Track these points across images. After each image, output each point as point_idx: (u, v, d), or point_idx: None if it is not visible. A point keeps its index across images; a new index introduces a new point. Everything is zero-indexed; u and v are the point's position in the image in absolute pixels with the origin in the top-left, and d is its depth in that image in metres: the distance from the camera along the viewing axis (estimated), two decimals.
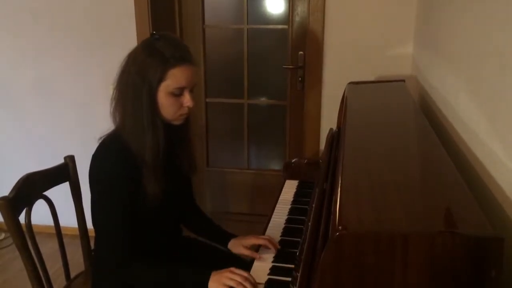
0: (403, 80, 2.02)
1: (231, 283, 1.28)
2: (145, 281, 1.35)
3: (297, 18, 2.62)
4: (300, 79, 2.65)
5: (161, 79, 1.33)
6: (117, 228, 1.35)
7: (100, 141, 1.41)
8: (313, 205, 1.45)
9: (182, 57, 1.34)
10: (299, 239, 1.52)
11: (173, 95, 1.35)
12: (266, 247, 1.50)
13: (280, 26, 2.69)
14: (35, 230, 1.55)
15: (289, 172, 2.10)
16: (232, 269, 1.32)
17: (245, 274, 1.31)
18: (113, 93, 1.41)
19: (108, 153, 1.37)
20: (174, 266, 1.39)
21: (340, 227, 0.82)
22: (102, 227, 1.37)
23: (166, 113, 1.37)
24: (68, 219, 1.88)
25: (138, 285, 1.38)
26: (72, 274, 1.76)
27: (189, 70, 1.36)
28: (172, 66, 1.32)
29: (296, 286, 1.18)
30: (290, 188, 2.01)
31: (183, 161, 1.53)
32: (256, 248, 1.52)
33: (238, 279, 1.28)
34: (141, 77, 1.32)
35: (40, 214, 1.69)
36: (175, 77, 1.33)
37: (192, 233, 1.68)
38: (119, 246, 1.35)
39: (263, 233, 1.63)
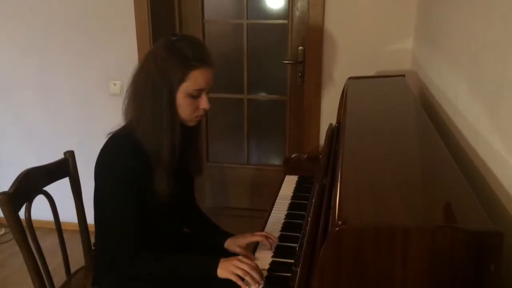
0: (403, 75, 2.01)
1: (238, 272, 1.29)
2: (154, 271, 1.37)
3: (297, 13, 2.61)
4: (300, 74, 2.64)
5: (181, 80, 1.32)
6: (131, 221, 1.35)
7: (109, 136, 1.40)
8: (313, 200, 1.45)
9: (204, 59, 1.35)
10: (299, 234, 1.52)
11: (191, 97, 1.35)
12: (264, 244, 1.50)
13: (280, 21, 2.69)
14: (35, 225, 1.55)
15: (289, 167, 2.10)
16: (240, 257, 1.34)
17: (252, 263, 1.33)
18: (128, 90, 1.40)
19: (120, 147, 1.37)
20: (182, 255, 1.41)
21: (339, 222, 0.82)
22: (114, 221, 1.36)
23: (183, 114, 1.37)
24: (68, 215, 1.88)
25: (146, 275, 1.39)
26: (72, 269, 1.76)
27: (209, 72, 1.37)
28: (193, 67, 1.32)
29: (295, 281, 1.19)
30: (290, 183, 2.01)
31: (191, 162, 1.53)
32: (255, 245, 1.52)
33: (246, 268, 1.30)
34: (162, 77, 1.32)
35: (40, 209, 1.69)
36: (195, 79, 1.33)
37: (190, 231, 1.69)
38: (133, 239, 1.35)
39: (263, 228, 1.63)
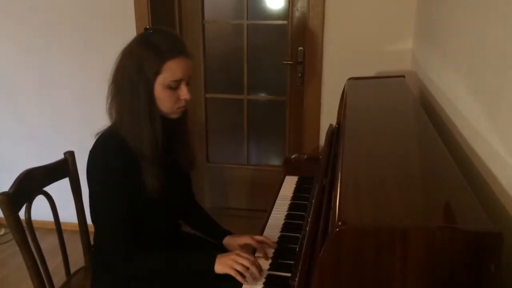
0: (403, 76, 2.01)
1: (238, 267, 1.29)
2: (151, 269, 1.37)
3: (297, 14, 2.62)
4: (299, 74, 2.64)
5: (157, 72, 1.33)
6: (120, 221, 1.35)
7: (96, 137, 1.41)
8: (313, 201, 1.45)
9: (178, 49, 1.34)
10: (299, 235, 1.52)
11: (169, 88, 1.35)
12: (264, 247, 1.50)
13: (280, 22, 2.69)
14: (35, 225, 1.55)
15: (289, 167, 2.10)
16: (239, 252, 1.34)
17: (251, 258, 1.33)
18: (108, 89, 1.41)
19: (107, 148, 1.38)
20: (177, 252, 1.41)
21: (339, 223, 0.82)
22: (104, 221, 1.37)
23: (164, 107, 1.37)
24: (68, 215, 1.88)
25: (142, 273, 1.39)
26: (72, 270, 1.76)
27: (184, 62, 1.36)
28: (168, 58, 1.32)
29: (295, 281, 1.19)
30: (289, 183, 2.01)
31: (181, 156, 1.53)
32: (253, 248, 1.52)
33: (245, 262, 1.30)
34: (137, 71, 1.33)
35: (40, 209, 1.69)
36: (171, 70, 1.33)
37: (189, 227, 1.69)
38: (124, 239, 1.36)
39: (263, 229, 1.63)
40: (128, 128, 1.36)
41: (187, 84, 1.39)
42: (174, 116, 1.42)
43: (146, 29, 1.39)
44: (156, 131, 1.36)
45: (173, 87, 1.35)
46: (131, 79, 1.34)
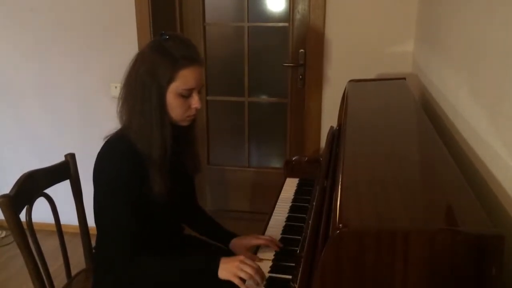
0: (404, 78, 2.01)
1: (242, 275, 1.28)
2: (153, 273, 1.36)
3: (297, 16, 2.62)
4: (300, 77, 2.65)
5: (170, 80, 1.32)
6: (127, 224, 1.35)
7: (105, 140, 1.41)
8: (314, 203, 1.45)
9: (192, 58, 1.34)
10: (300, 237, 1.52)
11: (181, 96, 1.35)
12: (267, 246, 1.50)
13: (281, 24, 2.69)
14: (36, 227, 1.55)
15: (290, 170, 2.10)
16: (242, 258, 1.33)
17: (255, 265, 1.32)
18: (120, 93, 1.41)
19: (116, 151, 1.37)
20: (181, 256, 1.41)
21: (340, 225, 0.82)
22: (110, 224, 1.37)
23: (174, 114, 1.37)
24: (69, 217, 1.88)
25: (145, 277, 1.39)
26: (73, 272, 1.76)
27: (198, 71, 1.36)
28: (182, 67, 1.32)
29: (296, 284, 1.18)
30: (290, 186, 2.01)
31: (187, 161, 1.53)
32: (256, 247, 1.52)
33: (249, 270, 1.29)
34: (151, 77, 1.32)
35: (41, 212, 1.69)
36: (184, 78, 1.33)
37: (194, 231, 1.68)
38: (130, 242, 1.35)
39: (264, 231, 1.63)
40: (138, 133, 1.35)
41: (199, 92, 1.39)
42: (184, 123, 1.42)
43: (161, 34, 1.37)
44: (165, 137, 1.36)
45: (185, 95, 1.35)
46: (143, 84, 1.33)
